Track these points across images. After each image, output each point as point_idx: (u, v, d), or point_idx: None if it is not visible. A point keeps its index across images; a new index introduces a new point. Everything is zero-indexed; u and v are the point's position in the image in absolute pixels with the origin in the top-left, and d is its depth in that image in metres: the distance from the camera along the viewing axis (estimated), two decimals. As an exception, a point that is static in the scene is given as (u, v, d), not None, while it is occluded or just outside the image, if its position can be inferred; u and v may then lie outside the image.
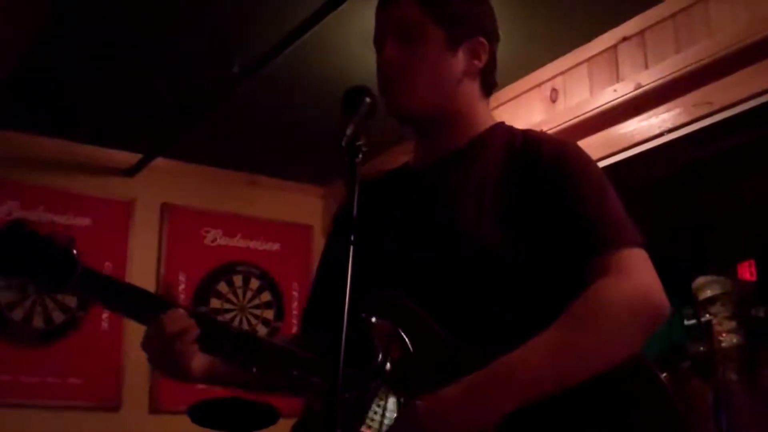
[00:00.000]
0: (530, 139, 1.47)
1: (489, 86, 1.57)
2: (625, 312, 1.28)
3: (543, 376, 1.24)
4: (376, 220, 1.51)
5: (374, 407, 1.29)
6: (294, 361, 1.35)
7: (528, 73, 3.46)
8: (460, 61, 1.49)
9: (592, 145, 3.15)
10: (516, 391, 1.24)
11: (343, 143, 1.25)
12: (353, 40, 3.13)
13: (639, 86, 2.98)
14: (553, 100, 3.39)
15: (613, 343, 1.28)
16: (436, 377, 1.29)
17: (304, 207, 4.76)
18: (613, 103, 3.07)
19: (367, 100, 1.35)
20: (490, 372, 1.25)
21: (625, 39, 3.10)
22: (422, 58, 1.48)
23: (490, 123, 1.55)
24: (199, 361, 1.37)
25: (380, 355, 1.34)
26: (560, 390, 1.25)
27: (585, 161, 1.43)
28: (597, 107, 3.13)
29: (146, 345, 1.37)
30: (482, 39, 1.52)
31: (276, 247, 4.64)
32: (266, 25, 3.02)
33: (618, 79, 3.11)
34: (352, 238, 1.19)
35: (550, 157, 1.41)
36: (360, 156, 1.26)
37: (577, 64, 3.29)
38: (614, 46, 3.15)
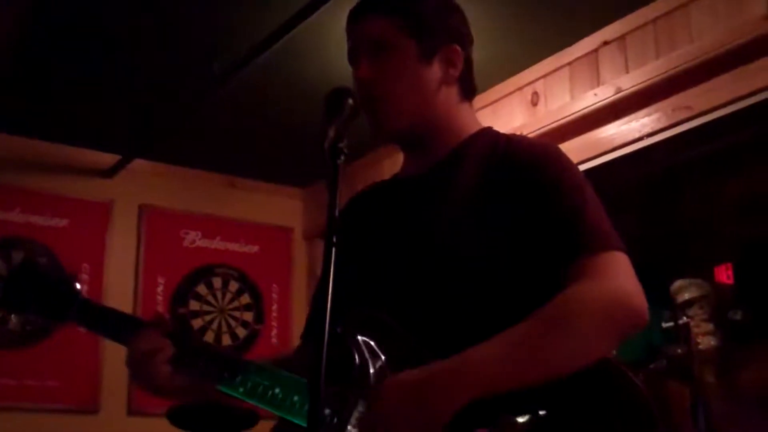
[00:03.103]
0: (512, 143, 1.46)
1: (469, 91, 1.56)
2: (599, 314, 1.25)
3: (500, 373, 1.20)
4: (364, 232, 1.51)
5: (352, 422, 1.28)
6: (274, 380, 1.37)
7: (509, 76, 3.46)
8: (435, 71, 1.49)
9: (572, 148, 3.15)
10: (469, 386, 1.20)
11: (326, 146, 1.24)
12: (334, 42, 3.11)
13: (619, 90, 2.99)
14: (534, 104, 3.39)
15: (583, 346, 1.23)
16: None
17: (284, 209, 4.75)
18: (593, 107, 3.08)
19: (350, 101, 1.33)
20: (442, 366, 1.23)
21: (606, 43, 3.11)
22: (397, 74, 1.47)
23: (475, 129, 1.54)
24: (177, 378, 1.41)
25: (357, 371, 1.32)
26: (520, 388, 1.21)
27: (565, 163, 1.41)
28: (577, 111, 3.14)
29: (127, 364, 1.44)
30: (456, 47, 1.51)
31: (255, 249, 4.62)
32: (247, 26, 3.01)
33: (599, 83, 3.12)
34: (334, 239, 1.18)
35: (529, 160, 1.39)
36: (342, 158, 1.25)
37: (559, 68, 3.30)
38: (595, 50, 3.16)
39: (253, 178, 4.63)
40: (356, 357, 1.33)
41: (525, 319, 1.25)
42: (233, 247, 4.55)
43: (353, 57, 1.53)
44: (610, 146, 3.06)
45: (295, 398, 1.36)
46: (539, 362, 1.22)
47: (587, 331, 1.24)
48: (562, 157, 1.43)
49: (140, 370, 1.41)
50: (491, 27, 3.08)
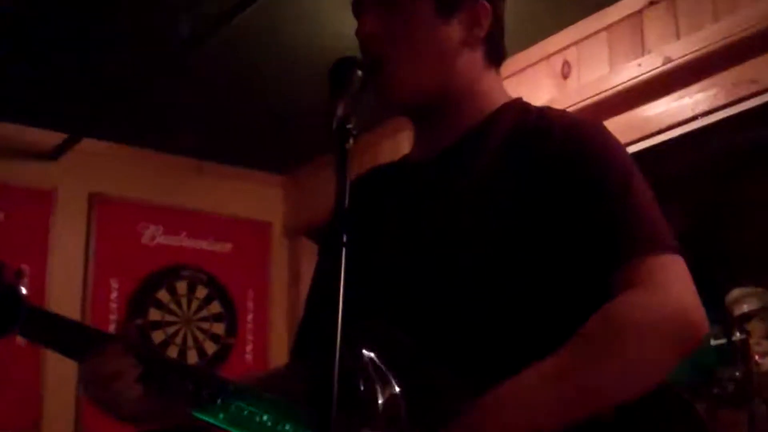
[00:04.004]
0: (544, 118, 1.44)
1: (497, 55, 1.54)
2: (655, 332, 1.24)
3: (542, 414, 1.20)
4: (368, 226, 1.49)
5: None
6: (261, 405, 1.37)
7: (535, 42, 3.45)
8: (456, 30, 1.48)
9: (611, 129, 3.14)
10: None
11: (334, 126, 1.24)
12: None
13: (668, 60, 2.99)
14: (565, 76, 3.38)
15: (639, 371, 1.23)
16: (428, 422, 1.28)
17: (262, 200, 4.75)
18: (637, 80, 3.07)
19: (358, 73, 1.34)
20: (474, 413, 1.22)
21: (652, 3, 3.10)
22: (409, 32, 1.46)
23: (503, 100, 1.53)
24: (146, 401, 1.41)
25: (363, 396, 1.32)
26: (566, 427, 1.20)
27: (611, 145, 1.40)
28: (618, 85, 3.13)
29: (84, 386, 1.43)
30: (482, 1, 1.49)
31: (228, 247, 4.62)
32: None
33: (643, 51, 3.11)
34: (345, 239, 1.16)
35: (565, 140, 1.38)
36: (351, 141, 1.24)
37: (595, 33, 3.28)
38: (639, 12, 3.14)
39: (226, 162, 4.63)
40: (361, 381, 1.33)
41: (568, 342, 1.24)
42: (201, 245, 4.55)
43: (358, 9, 1.52)
44: (657, 127, 3.06)
45: (287, 427, 1.36)
46: (589, 395, 1.21)
47: (642, 353, 1.23)
48: (608, 137, 1.42)
49: (103, 393, 1.40)
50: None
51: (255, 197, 4.74)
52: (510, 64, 3.56)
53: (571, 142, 1.37)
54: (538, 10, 3.25)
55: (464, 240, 1.38)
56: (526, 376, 1.22)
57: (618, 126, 3.11)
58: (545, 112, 1.46)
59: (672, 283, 1.28)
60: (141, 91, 3.63)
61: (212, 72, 3.64)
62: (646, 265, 1.28)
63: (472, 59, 1.50)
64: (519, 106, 1.52)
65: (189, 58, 3.34)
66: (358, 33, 1.49)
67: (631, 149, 3.08)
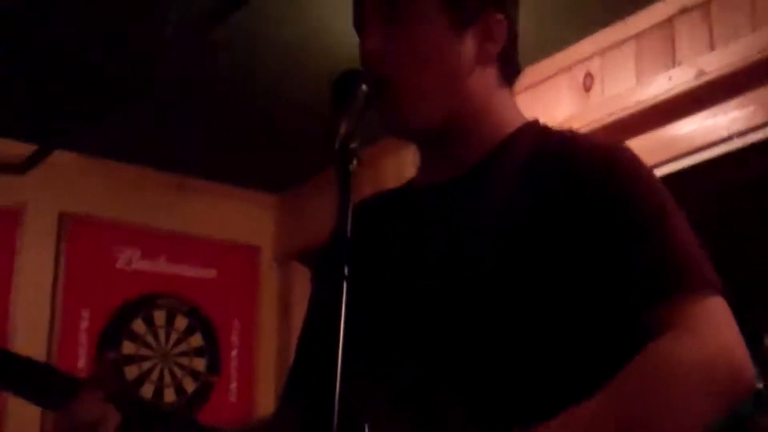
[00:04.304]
0: (567, 143, 1.45)
1: (511, 72, 1.56)
2: (696, 380, 1.26)
3: None
4: (371, 257, 1.49)
5: None
6: None
7: (554, 51, 3.48)
8: (469, 46, 1.49)
9: (636, 149, 3.13)
10: None
11: (336, 145, 1.25)
12: None
13: (702, 73, 3.00)
14: (587, 89, 3.41)
15: (681, 422, 1.25)
16: None
17: (251, 221, 4.75)
18: (666, 94, 3.09)
19: (364, 88, 1.35)
20: None
21: (685, 10, 3.12)
22: (419, 49, 1.47)
23: (518, 122, 1.54)
24: None
25: None
26: None
27: (641, 173, 1.41)
28: (645, 100, 3.15)
29: None
30: (498, 14, 1.50)
31: (212, 274, 4.62)
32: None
33: (674, 63, 3.13)
34: (346, 271, 1.17)
35: (591, 168, 1.39)
36: (355, 162, 1.26)
37: (620, 42, 3.31)
38: (670, 19, 3.17)
39: (211, 179, 4.64)
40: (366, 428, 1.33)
41: (602, 390, 1.25)
42: (182, 270, 4.55)
43: (359, 22, 1.53)
44: (688, 148, 3.07)
45: None
46: None
47: (685, 404, 1.25)
48: (638, 164, 1.42)
49: None
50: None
51: (243, 218, 4.74)
52: (527, 76, 3.50)
53: (598, 169, 1.38)
54: (559, 16, 3.28)
55: (481, 274, 1.38)
56: (575, 413, 1.24)
57: (644, 145, 3.12)
58: (567, 136, 1.48)
59: (714, 325, 1.30)
60: (118, 99, 3.63)
61: (197, 78, 3.66)
62: (688, 304, 1.30)
63: (486, 78, 1.51)
64: (537, 128, 1.54)
65: (171, 62, 3.34)
66: (361, 49, 1.50)
67: (659, 171, 3.08)
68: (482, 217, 1.44)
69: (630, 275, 1.32)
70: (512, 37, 1.53)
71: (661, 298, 1.30)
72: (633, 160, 1.43)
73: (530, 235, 1.37)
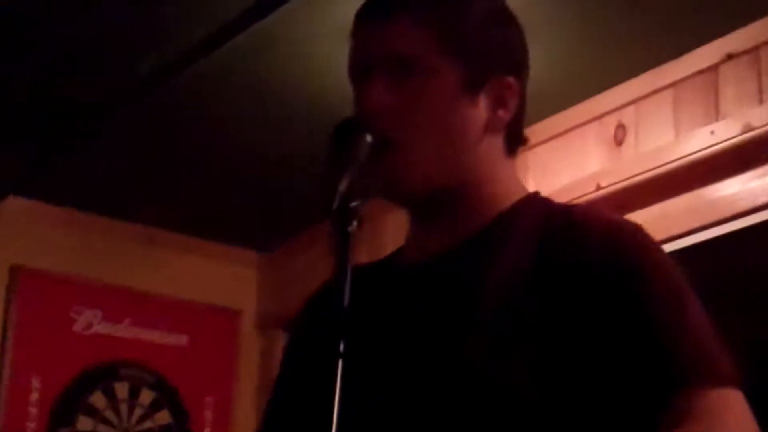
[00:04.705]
0: (575, 220, 1.51)
1: (516, 142, 1.62)
2: None
3: None
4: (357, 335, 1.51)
5: None
6: None
7: (583, 99, 3.51)
8: (481, 111, 1.55)
9: (674, 212, 3.20)
10: None
11: (335, 205, 1.28)
12: (323, 32, 3.15)
13: (749, 128, 3.02)
14: (619, 142, 3.43)
15: None
16: None
17: (230, 282, 4.75)
18: (708, 151, 3.11)
19: (368, 139, 1.39)
20: None
21: (730, 56, 3.15)
22: (428, 110, 1.52)
23: (519, 194, 1.61)
24: None
25: None
26: None
27: (654, 255, 1.47)
28: (684, 156, 3.17)
29: None
30: (510, 79, 1.57)
31: (183, 341, 4.61)
32: (195, 13, 3.07)
33: (717, 115, 3.15)
34: (342, 348, 1.20)
35: (601, 250, 1.44)
36: (355, 223, 1.28)
37: (657, 91, 3.33)
38: (714, 66, 3.19)
39: (185, 232, 4.64)
40: None
41: None
42: (149, 336, 4.54)
43: (359, 73, 1.57)
44: (731, 211, 3.08)
45: None
46: None
47: None
48: (649, 243, 1.48)
49: None
50: (558, 28, 3.14)
51: (221, 278, 4.74)
52: (551, 124, 3.60)
53: (610, 252, 1.43)
54: (589, 60, 3.32)
55: (487, 363, 1.40)
56: None
57: (682, 207, 3.18)
58: (574, 214, 1.53)
59: (731, 420, 1.34)
60: (81, 140, 3.67)
61: (172, 119, 3.69)
62: (702, 397, 1.33)
63: (493, 146, 1.57)
64: (539, 203, 1.60)
65: (144, 101, 3.41)
66: (360, 101, 1.54)
67: (697, 238, 3.13)
68: (481, 295, 1.46)
69: (641, 366, 1.37)
70: (522, 104, 1.59)
71: (675, 390, 1.34)
72: (644, 239, 1.49)
73: (533, 320, 1.41)
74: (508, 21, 1.61)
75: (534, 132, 3.56)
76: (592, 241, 1.44)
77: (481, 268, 1.49)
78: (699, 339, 1.38)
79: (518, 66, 1.60)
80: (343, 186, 1.30)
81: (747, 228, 3.07)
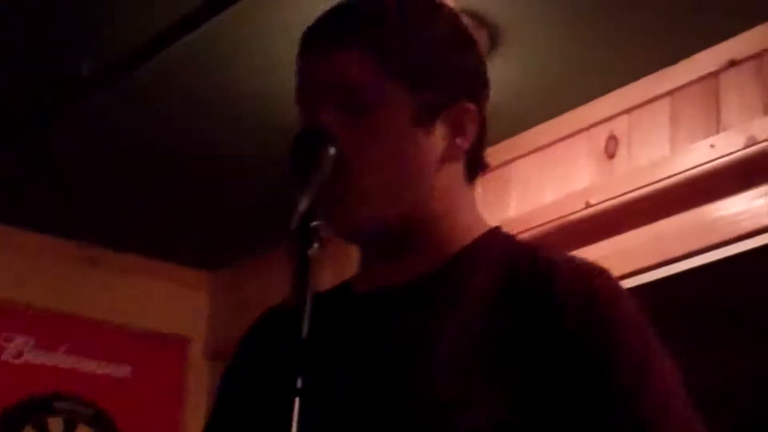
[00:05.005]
0: (541, 266, 1.53)
1: (477, 169, 1.66)
2: None
3: None
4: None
5: None
6: None
7: (570, 108, 3.52)
8: (437, 140, 1.57)
9: (669, 233, 3.22)
10: None
11: (294, 224, 1.28)
12: (273, 34, 3.17)
13: (753, 141, 3.04)
14: (611, 155, 3.44)
15: None
16: None
17: (178, 306, 4.77)
18: (708, 166, 3.12)
19: (332, 151, 1.40)
20: None
21: (733, 63, 3.16)
22: (380, 140, 1.54)
23: (480, 229, 1.64)
24: None
25: None
26: None
27: (624, 312, 1.51)
28: (681, 172, 3.18)
29: None
30: (468, 104, 1.59)
31: (125, 371, 4.61)
32: (137, 15, 3.10)
33: (718, 127, 3.16)
34: (299, 383, 1.20)
35: (569, 302, 1.47)
36: (316, 246, 1.29)
37: (653, 99, 3.35)
38: (715, 74, 3.21)
39: (129, 250, 4.64)
40: None
41: None
42: (87, 366, 4.53)
43: (307, 102, 1.58)
44: (733, 233, 3.10)
45: None
46: None
47: None
48: (620, 296, 1.52)
49: None
50: (544, 29, 3.15)
51: (168, 302, 4.75)
52: (536, 135, 3.62)
53: (577, 306, 1.47)
54: (578, 65, 3.33)
55: (435, 408, 1.42)
56: None
57: (680, 228, 3.19)
58: (540, 259, 1.55)
59: None
60: (12, 146, 3.67)
61: (114, 127, 3.70)
62: None
63: (451, 176, 1.60)
64: (501, 240, 1.63)
65: (85, 104, 3.41)
66: (308, 125, 1.55)
67: (696, 262, 3.14)
68: (441, 335, 1.49)
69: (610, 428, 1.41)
70: (482, 128, 1.62)
71: None
72: (615, 291, 1.52)
73: (495, 362, 1.44)
74: (464, 43, 1.64)
75: (517, 143, 3.62)
76: (558, 292, 1.47)
77: (443, 305, 1.52)
78: (666, 402, 1.43)
79: (476, 90, 1.63)
80: (303, 204, 1.31)
81: (750, 251, 3.08)
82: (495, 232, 1.64)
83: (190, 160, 3.92)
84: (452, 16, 1.65)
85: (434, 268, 1.56)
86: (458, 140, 1.58)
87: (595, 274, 1.53)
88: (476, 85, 1.63)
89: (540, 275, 1.50)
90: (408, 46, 1.55)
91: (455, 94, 1.58)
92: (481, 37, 2.99)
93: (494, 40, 3.05)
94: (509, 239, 1.64)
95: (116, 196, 4.22)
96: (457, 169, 1.60)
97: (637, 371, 1.43)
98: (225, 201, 4.13)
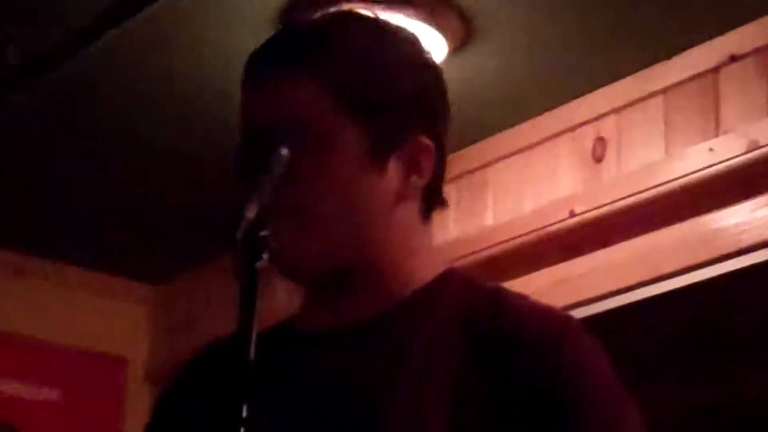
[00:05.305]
0: (505, 312, 1.57)
1: (434, 206, 1.68)
2: None
3: None
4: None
5: None
6: None
7: (554, 106, 3.53)
8: (391, 178, 1.59)
9: (663, 246, 3.24)
10: None
11: (239, 234, 1.28)
12: (222, 20, 3.18)
13: (755, 146, 3.05)
14: (598, 159, 3.45)
15: None
16: None
17: (115, 322, 4.75)
18: (706, 172, 3.13)
19: (284, 153, 1.41)
20: None
21: (733, 58, 3.18)
22: (330, 178, 1.56)
23: (437, 270, 1.66)
24: None
25: None
26: None
27: (593, 362, 1.56)
28: (676, 178, 3.19)
29: None
30: (425, 139, 1.61)
31: (54, 395, 4.59)
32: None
33: (717, 129, 3.18)
34: (244, 412, 1.21)
35: (536, 354, 1.51)
36: (265, 257, 1.30)
37: (645, 98, 3.36)
38: (714, 70, 3.22)
39: (59, 260, 4.63)
40: None
41: None
42: (13, 389, 4.52)
43: (250, 135, 1.59)
44: (733, 246, 3.11)
45: None
46: None
47: None
48: (588, 348, 1.57)
49: None
50: (525, 21, 3.14)
51: (104, 318, 4.73)
52: (515, 136, 3.62)
53: (543, 357, 1.51)
54: (563, 60, 3.35)
55: None
56: None
57: (675, 241, 3.21)
58: (503, 305, 1.58)
59: None
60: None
61: (47, 122, 3.70)
62: None
63: (407, 216, 1.62)
64: (460, 281, 1.66)
65: (10, 99, 3.41)
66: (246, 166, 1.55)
67: (693, 278, 3.16)
68: (396, 374, 1.51)
69: None
70: (440, 165, 1.64)
71: None
72: (582, 344, 1.56)
73: (451, 407, 1.47)
74: (422, 69, 1.65)
75: (494, 145, 3.62)
76: (526, 345, 1.51)
77: (398, 345, 1.54)
78: None
79: (434, 122, 1.64)
80: (251, 211, 1.30)
81: (752, 266, 3.09)
82: (453, 273, 1.67)
83: (128, 159, 3.91)
84: (409, 40, 1.66)
85: (390, 308, 1.59)
86: (413, 178, 1.60)
87: (562, 326, 1.56)
88: (433, 117, 1.64)
89: (504, 325, 1.54)
90: (359, 75, 1.57)
91: (411, 127, 1.60)
92: (455, 29, 3.01)
93: (469, 32, 3.05)
94: (468, 280, 1.66)
95: (44, 199, 4.20)
96: (413, 207, 1.62)
97: (606, 424, 1.49)
98: (168, 206, 4.12)
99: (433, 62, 1.67)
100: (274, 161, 1.39)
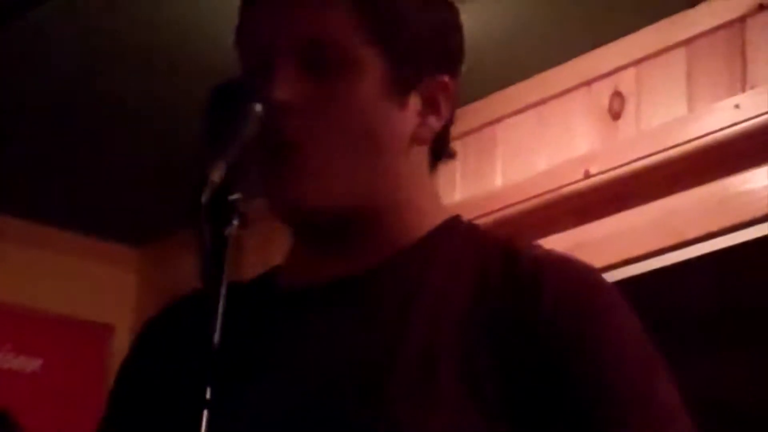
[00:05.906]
0: (525, 270, 1.54)
1: (441, 154, 1.70)
2: None
3: None
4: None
5: None
6: None
7: (568, 59, 3.52)
8: (410, 116, 1.60)
9: (684, 210, 3.22)
10: None
11: (204, 198, 1.28)
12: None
13: (785, 101, 3.04)
14: (615, 116, 3.44)
15: None
16: None
17: (100, 288, 4.77)
18: (731, 130, 3.12)
19: (257, 109, 1.39)
20: None
21: (762, 7, 3.16)
22: (345, 109, 1.55)
23: (440, 217, 1.66)
24: None
25: None
26: None
27: (619, 319, 1.54)
28: (700, 136, 3.18)
29: None
30: (446, 78, 1.63)
31: (34, 365, 4.63)
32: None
33: (745, 84, 3.17)
34: (208, 394, 1.20)
35: (556, 306, 1.49)
36: (235, 222, 1.29)
37: (666, 49, 3.35)
38: (741, 19, 3.20)
39: (41, 221, 4.63)
40: None
41: None
42: (-10, 358, 4.55)
43: (258, 52, 1.57)
44: (760, 210, 3.10)
45: None
46: None
47: None
48: (616, 303, 1.55)
49: None
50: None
51: (88, 283, 4.76)
52: (527, 91, 3.65)
53: (565, 314, 1.49)
54: (578, 9, 3.34)
55: (399, 412, 1.43)
56: None
57: (696, 204, 3.20)
58: (512, 254, 1.56)
59: None
60: None
61: (22, 72, 3.73)
62: None
63: (417, 162, 1.63)
64: (465, 230, 1.66)
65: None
66: (264, 96, 1.50)
67: (715, 244, 3.15)
68: (397, 335, 1.49)
69: None
70: (452, 112, 1.65)
71: None
72: (610, 297, 1.55)
73: (465, 367, 1.45)
74: (445, 7, 1.66)
75: (504, 99, 3.64)
76: (545, 297, 1.49)
77: (398, 301, 1.52)
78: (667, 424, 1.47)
79: (454, 63, 1.65)
80: (217, 173, 1.29)
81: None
82: (456, 221, 1.66)
83: (107, 110, 3.92)
84: None
85: (386, 260, 1.57)
86: (431, 119, 1.60)
87: (586, 281, 1.56)
88: (453, 57, 1.65)
89: (520, 278, 1.51)
90: (388, 3, 1.56)
91: (434, 64, 1.60)
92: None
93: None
94: (474, 230, 1.66)
95: (21, 156, 4.21)
96: (424, 153, 1.63)
97: (636, 395, 1.47)
98: (152, 162, 4.13)
99: (453, 4, 1.67)
100: (245, 118, 1.36)
